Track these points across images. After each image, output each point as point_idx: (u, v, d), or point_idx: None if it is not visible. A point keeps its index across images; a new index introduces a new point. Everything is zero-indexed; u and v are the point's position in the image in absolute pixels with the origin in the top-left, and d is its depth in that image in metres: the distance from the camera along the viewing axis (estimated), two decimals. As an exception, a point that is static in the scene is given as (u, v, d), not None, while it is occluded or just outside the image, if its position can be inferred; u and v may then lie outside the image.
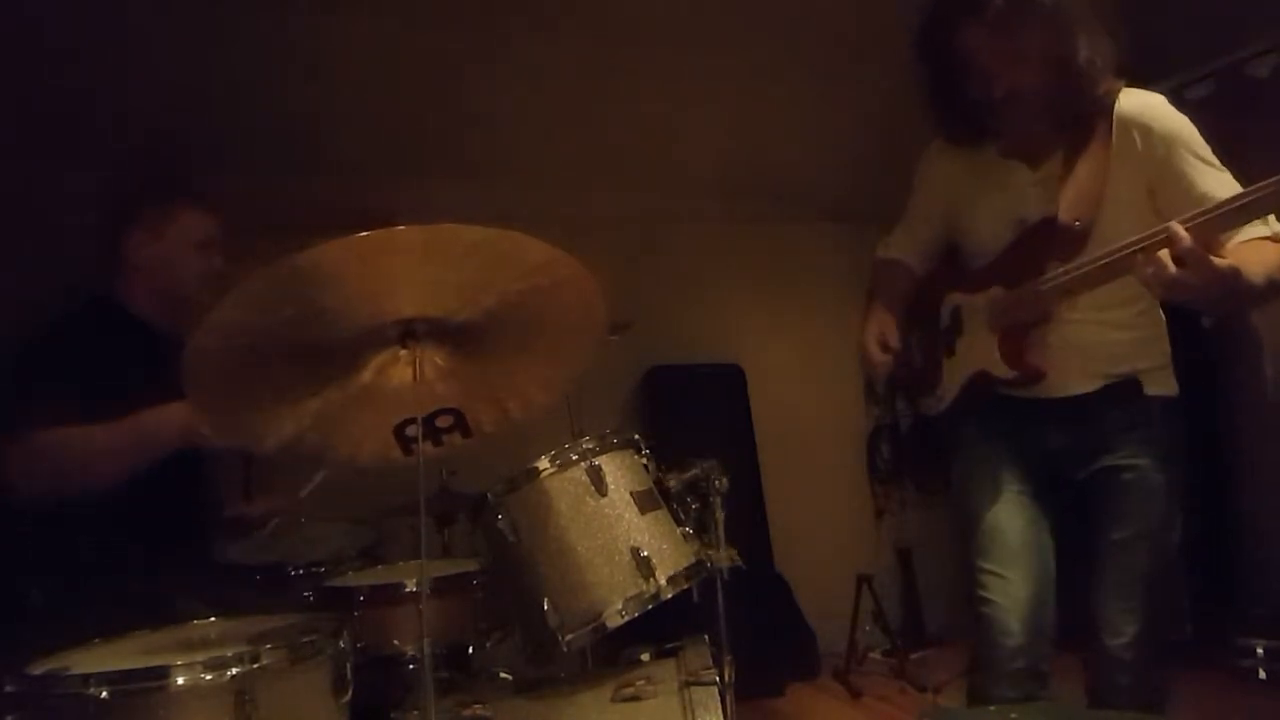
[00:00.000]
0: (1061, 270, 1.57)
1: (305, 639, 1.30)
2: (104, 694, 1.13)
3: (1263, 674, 2.98)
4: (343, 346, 1.35)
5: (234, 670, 1.19)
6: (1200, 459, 3.37)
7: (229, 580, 2.10)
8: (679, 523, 1.78)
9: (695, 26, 2.92)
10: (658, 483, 1.81)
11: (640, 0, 2.78)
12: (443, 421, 1.53)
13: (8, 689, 1.17)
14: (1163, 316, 1.71)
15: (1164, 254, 1.30)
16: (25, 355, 1.82)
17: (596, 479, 1.70)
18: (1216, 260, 1.28)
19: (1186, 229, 1.29)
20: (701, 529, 1.80)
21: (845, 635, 3.54)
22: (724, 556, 1.73)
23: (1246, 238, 1.44)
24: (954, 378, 1.80)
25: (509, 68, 2.99)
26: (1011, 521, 1.67)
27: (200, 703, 1.18)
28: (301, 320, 1.25)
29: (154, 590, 1.73)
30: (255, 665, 1.21)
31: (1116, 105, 1.57)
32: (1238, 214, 1.33)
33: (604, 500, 1.70)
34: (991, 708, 1.60)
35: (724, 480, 1.80)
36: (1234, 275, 1.29)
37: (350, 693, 1.36)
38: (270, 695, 1.21)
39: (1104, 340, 1.65)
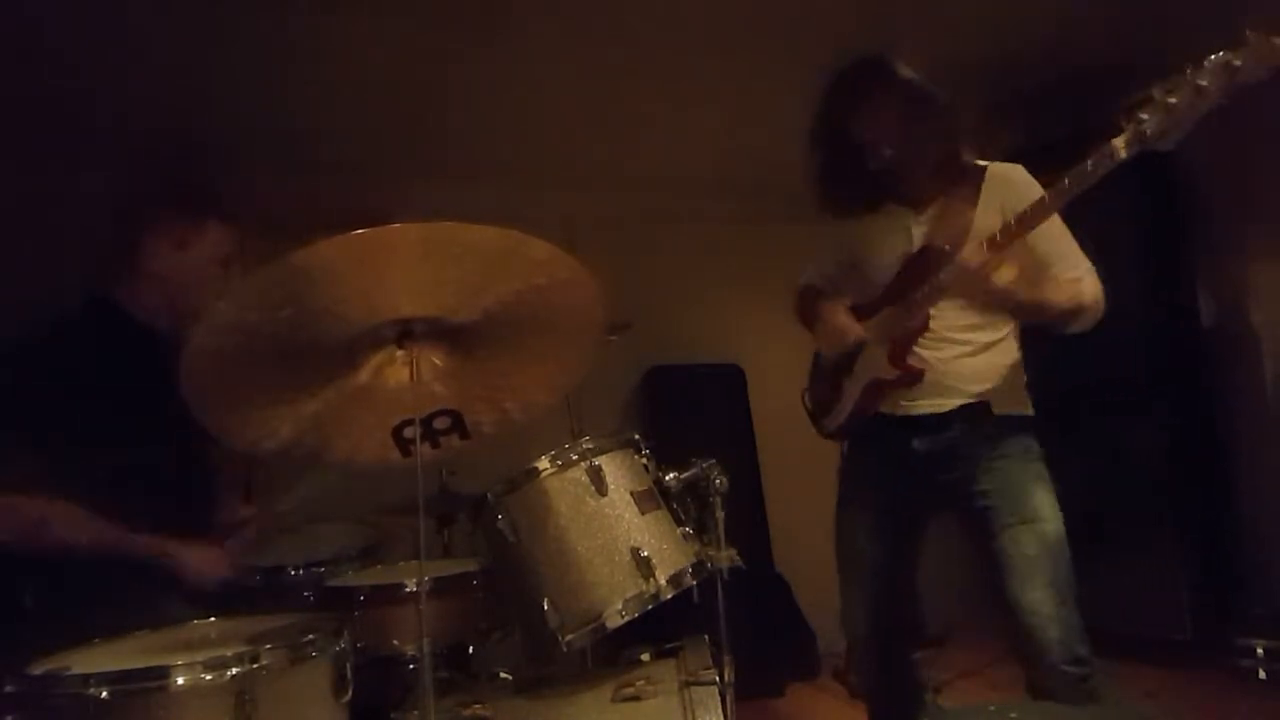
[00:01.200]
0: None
1: (305, 639, 1.31)
2: (104, 694, 1.14)
3: (1263, 674, 2.98)
4: (340, 347, 1.35)
5: (234, 670, 1.19)
6: (1200, 460, 3.38)
7: (229, 580, 2.10)
8: (679, 523, 1.77)
9: (695, 27, 2.92)
10: (657, 483, 1.80)
11: (640, 0, 2.78)
12: (440, 423, 1.53)
13: (8, 689, 1.17)
14: (1016, 348, 2.01)
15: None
16: (21, 356, 1.80)
17: (596, 479, 1.70)
18: (996, 284, 1.80)
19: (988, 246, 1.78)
20: (701, 529, 1.80)
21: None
22: (724, 556, 1.73)
23: (1066, 278, 1.88)
24: (851, 392, 2.09)
25: (509, 68, 2.99)
26: (863, 549, 2.06)
27: (200, 703, 1.18)
28: (299, 320, 1.25)
29: (154, 590, 1.73)
30: (255, 665, 1.21)
31: (986, 170, 1.98)
32: (1018, 227, 1.76)
33: (604, 500, 1.70)
34: (992, 707, 1.62)
35: (724, 480, 1.80)
36: (1006, 294, 1.82)
37: (350, 693, 1.37)
38: (270, 695, 1.21)
39: (962, 364, 1.94)
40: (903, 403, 1.99)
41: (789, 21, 2.94)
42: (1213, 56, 1.54)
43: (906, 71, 1.98)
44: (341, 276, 1.22)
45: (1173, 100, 1.58)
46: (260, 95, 2.81)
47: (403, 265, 1.25)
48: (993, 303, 1.88)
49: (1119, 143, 1.64)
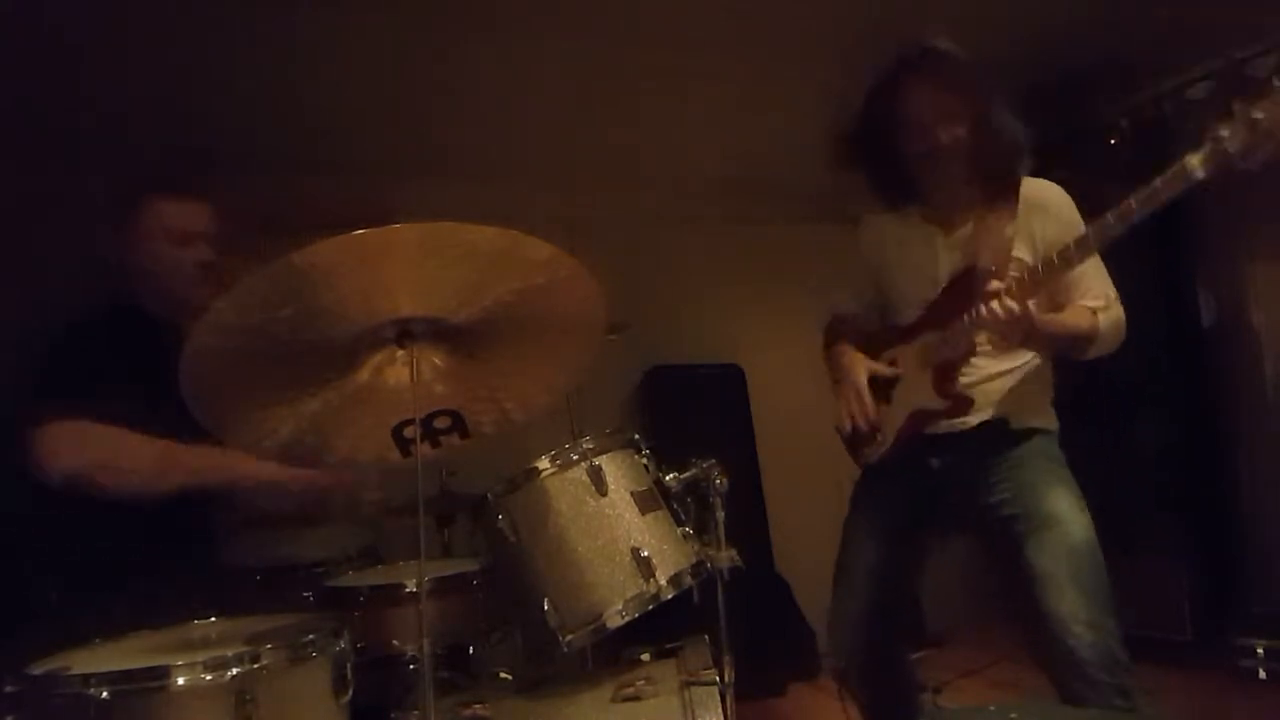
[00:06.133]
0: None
1: (305, 639, 1.30)
2: (104, 694, 1.14)
3: (1263, 674, 2.98)
4: (340, 346, 1.35)
5: (234, 670, 1.19)
6: (1199, 460, 3.38)
7: (229, 580, 2.09)
8: (679, 523, 1.77)
9: (695, 27, 2.92)
10: (657, 483, 1.80)
11: (640, 0, 2.78)
12: (441, 423, 1.53)
13: (8, 689, 1.17)
14: (1050, 371, 1.96)
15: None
16: (50, 354, 1.81)
17: (596, 479, 1.70)
18: (1036, 326, 1.71)
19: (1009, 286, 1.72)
20: (701, 529, 1.79)
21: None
22: (724, 557, 1.73)
23: (1086, 305, 1.82)
24: (893, 421, 2.00)
25: (509, 68, 2.99)
26: (869, 556, 2.00)
27: (200, 703, 1.18)
28: (299, 319, 1.25)
29: (157, 590, 1.73)
30: (255, 665, 1.21)
31: (1022, 188, 1.87)
32: (1056, 267, 1.70)
33: (604, 500, 1.69)
34: (992, 707, 1.62)
35: (724, 480, 1.80)
36: (1039, 334, 1.74)
37: (350, 693, 1.36)
38: (270, 695, 1.21)
39: (989, 385, 1.89)
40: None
41: (789, 22, 2.94)
42: None
43: (968, 63, 1.87)
44: (341, 276, 1.22)
45: (1258, 115, 1.42)
46: (260, 95, 2.81)
47: (403, 265, 1.25)
48: (1025, 343, 1.79)
49: (1195, 161, 1.48)
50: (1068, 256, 1.67)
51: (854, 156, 1.99)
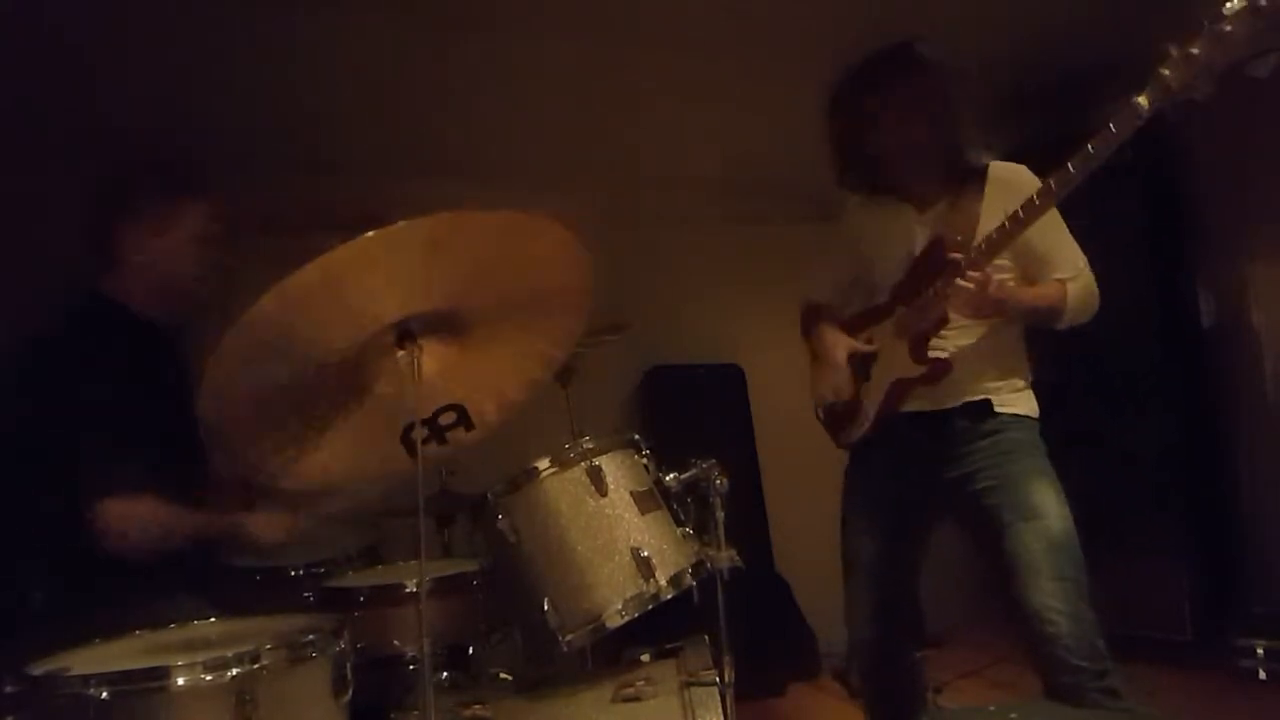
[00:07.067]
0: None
1: (305, 639, 1.30)
2: (104, 694, 1.14)
3: (1263, 674, 2.98)
4: (346, 367, 1.36)
5: (234, 670, 1.19)
6: (1200, 459, 3.38)
7: (229, 581, 2.09)
8: (679, 523, 1.78)
9: (696, 27, 2.92)
10: (657, 483, 1.80)
11: (640, 0, 2.78)
12: (445, 418, 1.53)
13: (8, 689, 1.17)
14: (1023, 351, 2.00)
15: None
16: (38, 353, 1.80)
17: (596, 479, 1.70)
18: (1001, 294, 1.78)
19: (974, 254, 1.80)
20: (701, 529, 1.80)
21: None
22: (724, 556, 1.73)
23: (1055, 277, 1.88)
24: (874, 397, 2.03)
25: (509, 68, 2.98)
26: (867, 550, 2.04)
27: (200, 703, 1.18)
28: (292, 360, 1.26)
29: (155, 590, 1.73)
30: (255, 665, 1.21)
31: (989, 170, 1.96)
32: (1014, 225, 1.77)
33: (604, 500, 1.70)
34: (992, 707, 1.62)
35: (724, 480, 1.80)
36: (1005, 306, 1.82)
37: (350, 693, 1.37)
38: (270, 695, 1.21)
39: (966, 365, 1.92)
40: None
41: (790, 22, 2.94)
42: (1234, 1, 1.50)
43: (934, 60, 1.96)
44: (310, 313, 1.23)
45: (1194, 50, 1.55)
46: (260, 95, 2.81)
47: (376, 278, 1.25)
48: (993, 314, 1.86)
49: (1142, 99, 1.59)
50: (1018, 217, 1.75)
51: (834, 153, 2.08)
